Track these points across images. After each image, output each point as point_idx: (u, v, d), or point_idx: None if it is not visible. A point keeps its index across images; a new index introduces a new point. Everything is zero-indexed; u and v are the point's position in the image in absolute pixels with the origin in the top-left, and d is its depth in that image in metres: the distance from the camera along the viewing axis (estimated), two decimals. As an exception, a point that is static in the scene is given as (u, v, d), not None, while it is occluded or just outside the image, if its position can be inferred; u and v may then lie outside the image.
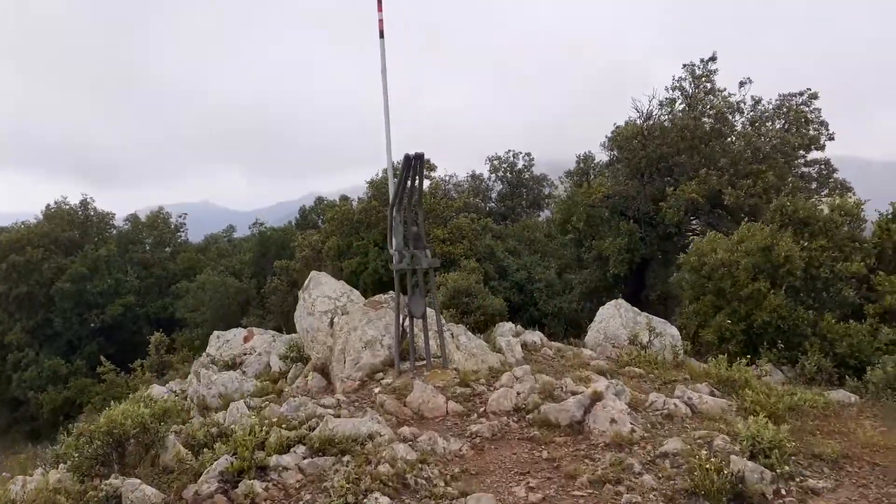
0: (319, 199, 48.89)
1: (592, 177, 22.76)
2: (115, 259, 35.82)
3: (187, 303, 33.54)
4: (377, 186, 29.55)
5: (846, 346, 11.36)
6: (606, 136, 23.47)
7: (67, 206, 36.59)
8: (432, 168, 29.67)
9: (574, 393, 7.81)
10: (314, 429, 6.93)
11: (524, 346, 10.34)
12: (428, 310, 9.11)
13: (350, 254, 29.27)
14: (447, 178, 36.04)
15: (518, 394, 7.87)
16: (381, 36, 10.16)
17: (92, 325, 35.49)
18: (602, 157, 25.87)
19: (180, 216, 42.68)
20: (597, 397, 7.44)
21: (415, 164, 8.53)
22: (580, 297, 23.11)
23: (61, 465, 7.78)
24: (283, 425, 6.99)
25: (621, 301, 11.42)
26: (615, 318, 10.94)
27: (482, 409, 7.71)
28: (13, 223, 37.74)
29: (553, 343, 11.00)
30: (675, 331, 11.07)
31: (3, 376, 33.50)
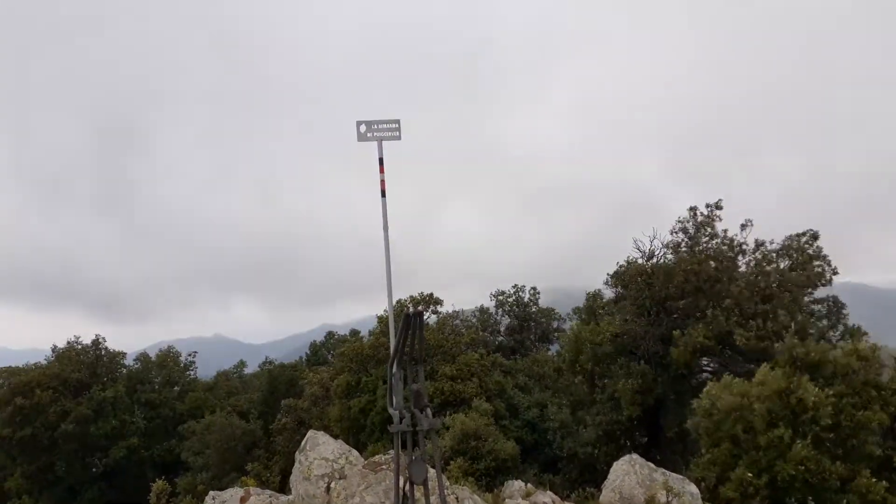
0: (330, 334, 48.89)
1: (600, 315, 22.64)
2: (122, 400, 35.41)
3: (192, 445, 32.68)
4: (386, 322, 29.53)
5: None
6: (608, 274, 23.61)
7: (79, 346, 36.71)
8: (438, 302, 29.78)
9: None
10: None
11: (534, 508, 9.79)
12: (431, 471, 8.70)
13: (359, 391, 28.79)
14: (454, 314, 36.06)
15: (525, 572, 7.33)
16: (383, 195, 10.47)
17: (94, 469, 34.49)
18: (608, 292, 25.94)
19: (190, 354, 42.61)
20: (610, 578, 6.89)
21: (414, 321, 8.46)
22: (596, 439, 22.25)
23: None
24: None
25: (636, 456, 10.91)
26: (630, 476, 10.41)
27: (487, 592, 7.14)
28: (25, 363, 37.74)
29: (565, 503, 10.42)
30: (694, 489, 10.48)
31: (-2, 527, 32.16)
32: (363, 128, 10.51)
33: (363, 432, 26.52)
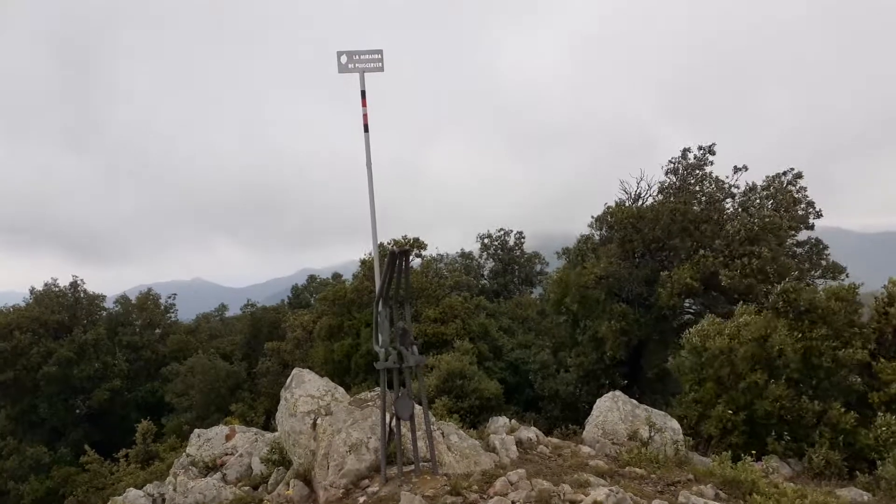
0: (312, 278, 48.77)
1: (588, 257, 22.72)
2: (103, 342, 35.25)
3: (176, 387, 32.81)
4: (370, 266, 29.45)
5: (871, 438, 10.91)
6: (593, 217, 23.54)
7: (57, 289, 36.27)
8: (422, 246, 29.67)
9: (573, 502, 7.34)
10: (292, 550, 6.43)
11: (519, 443, 9.87)
12: (417, 408, 8.70)
13: (342, 334, 28.88)
14: (438, 258, 36.01)
15: (513, 503, 7.39)
16: (366, 130, 10.16)
17: (77, 410, 34.59)
18: (593, 235, 25.94)
19: (170, 296, 42.35)
20: (596, 508, 6.97)
21: (400, 260, 8.33)
22: (577, 379, 22.60)
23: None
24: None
25: (619, 393, 11.01)
26: (613, 412, 10.52)
27: (474, 523, 7.21)
28: (3, 305, 37.31)
29: (550, 440, 10.51)
30: (675, 424, 10.63)
31: (-16, 466, 32.32)
32: (344, 58, 10.10)
33: (348, 374, 26.72)
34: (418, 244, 29.12)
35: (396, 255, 8.24)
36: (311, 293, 46.87)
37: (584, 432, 10.86)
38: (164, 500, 10.20)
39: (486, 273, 38.03)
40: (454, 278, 31.26)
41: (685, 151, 22.08)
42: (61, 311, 35.34)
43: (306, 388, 9.48)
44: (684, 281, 18.69)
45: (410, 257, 8.40)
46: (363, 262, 29.91)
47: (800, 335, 12.13)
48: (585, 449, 10.10)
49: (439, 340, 25.63)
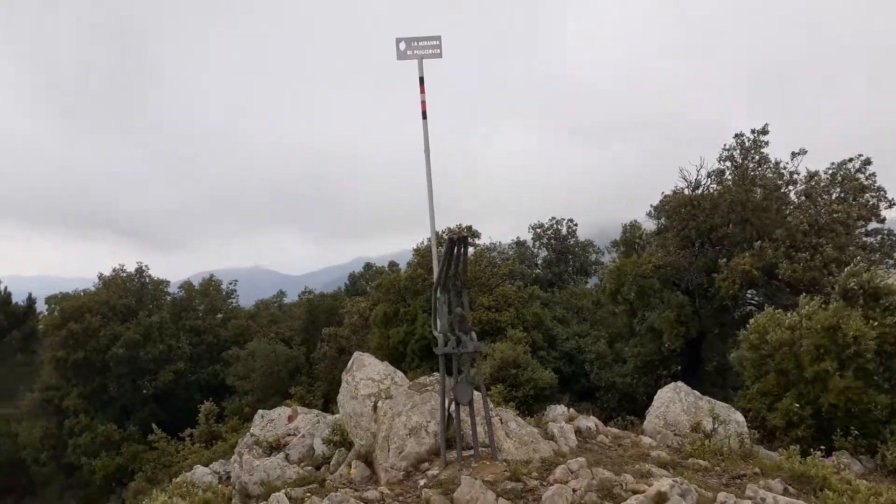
0: (368, 266, 49.41)
1: (639, 246, 22.28)
2: (167, 326, 36.56)
3: (237, 370, 33.78)
4: (423, 254, 29.63)
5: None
6: (652, 206, 23.08)
7: (124, 274, 37.74)
8: (476, 235, 29.65)
9: (635, 492, 7.25)
10: (355, 529, 6.56)
11: (578, 432, 9.80)
12: (476, 393, 8.74)
13: (397, 321, 29.19)
14: (491, 247, 35.91)
15: (574, 491, 7.35)
16: (424, 117, 10.20)
17: (144, 391, 36.02)
18: (649, 225, 25.45)
19: (231, 283, 43.61)
20: (661, 498, 6.87)
21: (458, 247, 8.36)
22: (634, 370, 22.26)
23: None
24: (324, 525, 6.65)
25: (681, 384, 10.80)
26: (675, 403, 10.33)
27: (534, 509, 7.21)
28: (74, 290, 39.06)
29: (609, 429, 10.41)
30: (740, 417, 10.37)
31: (60, 441, 33.99)
32: (403, 45, 10.15)
33: (403, 360, 27.01)
34: (472, 233, 29.14)
35: (454, 242, 8.28)
36: (366, 281, 47.50)
37: (645, 423, 10.70)
38: (229, 477, 10.55)
39: (539, 262, 37.76)
40: (507, 267, 31.14)
41: (739, 136, 21.38)
42: (128, 295, 36.81)
43: (367, 371, 9.63)
44: (742, 269, 18.13)
45: (468, 245, 8.42)
46: (417, 251, 30.12)
47: (875, 322, 11.63)
48: (646, 440, 9.96)
49: (493, 328, 25.63)
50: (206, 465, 11.66)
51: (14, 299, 37.20)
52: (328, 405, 24.80)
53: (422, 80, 9.96)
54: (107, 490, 30.73)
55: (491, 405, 9.03)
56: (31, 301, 34.63)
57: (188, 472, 10.71)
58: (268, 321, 42.89)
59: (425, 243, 30.05)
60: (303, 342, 37.08)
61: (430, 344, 27.48)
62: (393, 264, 43.58)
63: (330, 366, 32.35)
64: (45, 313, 36.82)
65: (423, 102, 9.98)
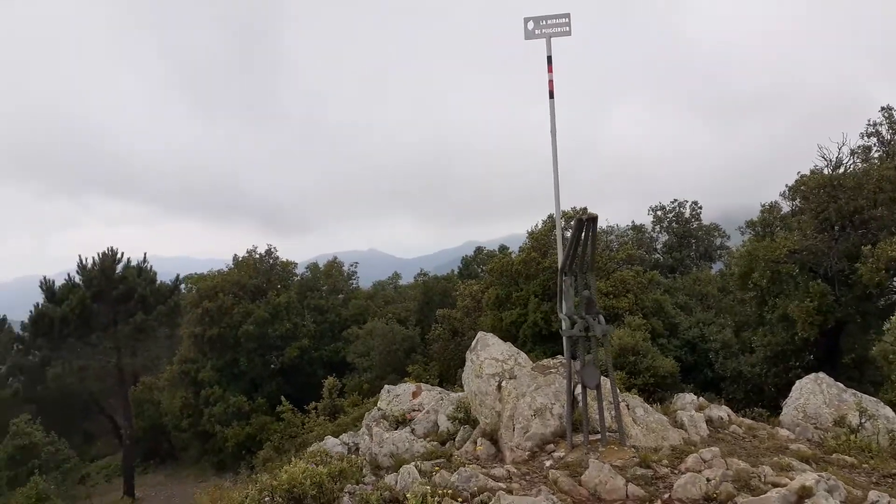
0: (479, 249, 49.73)
1: (777, 229, 20.97)
2: (294, 305, 38.56)
3: (357, 348, 35.14)
4: (537, 238, 29.42)
5: None
6: (787, 186, 21.66)
7: (256, 256, 40.11)
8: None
9: (775, 485, 6.90)
10: (485, 504, 6.68)
11: (709, 421, 9.45)
12: (602, 378, 8.62)
13: (509, 304, 29.23)
14: (608, 230, 35.08)
15: (708, 480, 7.10)
16: (551, 96, 10.07)
17: (272, 365, 38.25)
18: (785, 206, 23.91)
19: (352, 265, 45.32)
20: (805, 493, 6.50)
21: (587, 227, 8.22)
22: (763, 360, 21.10)
23: (246, 516, 8.15)
24: (456, 497, 6.81)
25: (822, 375, 10.13)
26: (816, 395, 9.71)
27: (667, 496, 7.03)
28: (208, 270, 41.98)
29: (743, 420, 9.95)
30: (889, 412, 9.60)
31: (197, 410, 36.83)
32: (531, 25, 10.05)
33: (515, 344, 27.05)
34: (590, 216, 28.61)
35: (583, 222, 8.15)
36: (478, 264, 47.90)
37: (782, 415, 10.14)
38: (357, 448, 11.03)
39: (659, 247, 36.48)
40: (625, 251, 30.33)
41: (886, 110, 19.55)
42: (258, 276, 39.15)
43: (490, 351, 9.73)
44: (890, 255, 16.65)
45: (597, 225, 8.25)
46: (531, 234, 29.95)
47: None
48: (783, 432, 9.44)
49: (610, 314, 25.11)
50: (335, 437, 12.24)
51: (158, 278, 40.45)
52: (443, 384, 25.31)
53: (550, 59, 9.84)
54: (237, 457, 32.95)
55: (618, 390, 8.87)
56: (176, 280, 37.60)
57: (320, 442, 11.30)
58: (384, 302, 44.27)
59: (539, 226, 29.82)
60: (417, 322, 37.98)
61: (542, 329, 27.33)
62: (504, 248, 43.65)
63: (443, 346, 32.97)
64: (184, 291, 39.88)
65: (551, 82, 9.86)
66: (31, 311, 34.55)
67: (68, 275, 34.75)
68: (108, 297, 33.37)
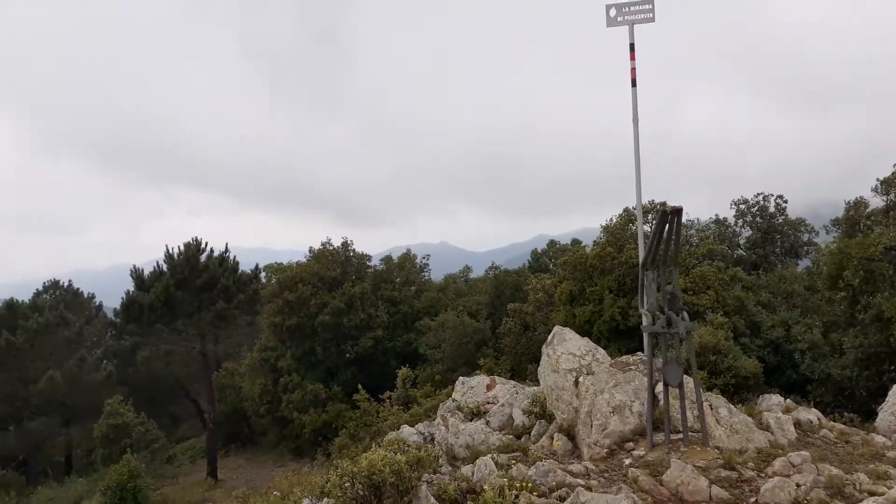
0: (552, 243, 49.24)
1: (866, 226, 19.84)
2: (368, 296, 39.29)
3: (429, 340, 35.49)
4: (612, 232, 28.86)
5: None
6: (878, 180, 20.40)
7: (332, 248, 41.08)
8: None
9: (872, 493, 6.57)
10: (564, 500, 6.65)
11: (797, 424, 9.07)
12: (685, 376, 8.40)
13: (583, 300, 28.82)
14: (687, 224, 34.03)
15: (798, 486, 6.83)
16: (634, 85, 9.85)
17: (347, 355, 39.12)
18: (876, 202, 22.57)
19: (424, 257, 45.73)
20: (905, 504, 6.16)
21: (671, 220, 8.01)
22: (854, 362, 20.03)
23: (326, 500, 8.39)
24: (533, 491, 6.81)
25: (924, 380, 9.53)
26: (916, 401, 9.15)
27: (753, 500, 6.80)
28: (287, 261, 43.29)
29: (834, 424, 9.50)
30: None
31: (276, 397, 38.10)
32: (613, 12, 9.85)
33: (590, 339, 26.67)
34: (673, 209, 27.81)
35: (668, 215, 7.95)
36: (549, 258, 47.42)
37: (878, 420, 9.62)
38: (433, 438, 11.16)
39: (741, 242, 35.09)
40: (706, 246, 29.35)
41: None
42: (335, 267, 40.07)
43: (567, 346, 9.64)
44: None
45: (682, 217, 8.02)
46: (605, 228, 29.39)
47: None
48: (879, 438, 8.96)
49: (690, 311, 24.36)
50: (410, 426, 12.43)
51: (239, 268, 42.02)
52: (514, 378, 25.25)
53: (632, 46, 9.62)
54: (314, 443, 33.89)
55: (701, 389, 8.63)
56: (255, 270, 38.98)
57: (397, 431, 11.50)
58: (455, 295, 44.48)
59: (614, 220, 29.24)
60: (488, 316, 37.97)
61: (618, 325, 26.81)
62: (576, 242, 43.05)
63: (514, 340, 32.82)
64: (264, 281, 41.26)
65: (633, 70, 9.64)
66: (122, 298, 36.56)
67: (157, 263, 36.55)
68: (191, 286, 34.90)
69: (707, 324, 21.92)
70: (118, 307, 41.94)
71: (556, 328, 10.17)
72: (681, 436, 8.09)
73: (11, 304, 42.15)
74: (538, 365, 10.32)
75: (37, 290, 51.99)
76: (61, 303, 47.71)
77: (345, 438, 26.23)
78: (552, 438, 8.87)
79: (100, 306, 54.83)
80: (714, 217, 35.72)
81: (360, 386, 27.88)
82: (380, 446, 9.23)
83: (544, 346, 9.98)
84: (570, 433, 8.89)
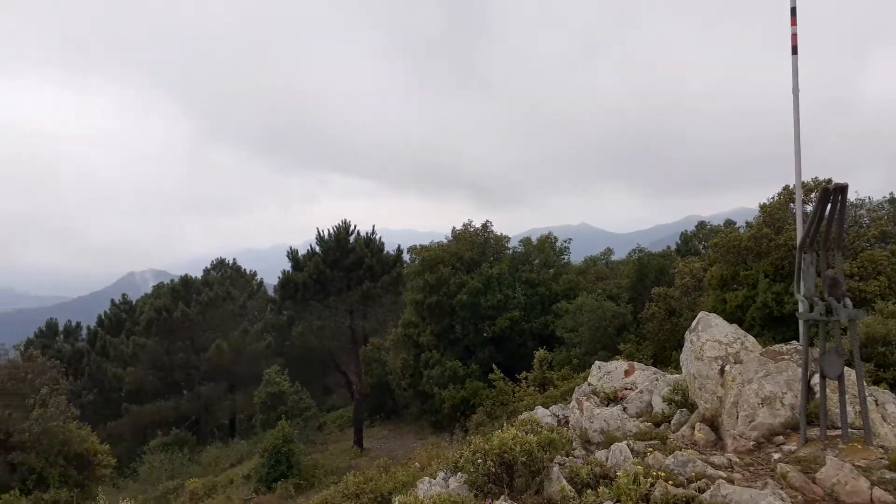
0: (701, 224, 46.76)
1: None
2: (506, 277, 39.54)
3: (566, 322, 35.08)
4: (770, 212, 26.88)
5: None
6: None
7: (472, 229, 41.69)
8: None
9: None
10: (703, 491, 6.34)
11: (985, 428, 8.00)
12: (846, 368, 7.68)
13: (735, 285, 27.17)
14: (858, 203, 30.83)
15: (983, 497, 6.04)
16: (794, 52, 9.03)
17: (484, 334, 39.68)
18: None
19: (565, 240, 45.16)
20: None
21: (835, 198, 7.31)
22: None
23: (459, 475, 8.60)
24: (670, 481, 6.56)
25: None
26: None
27: (924, 508, 6.11)
28: (429, 242, 44.49)
29: None
30: None
31: (416, 371, 39.52)
32: (771, -27, 9.07)
33: (741, 327, 25.13)
34: (839, 187, 25.41)
35: (829, 193, 7.26)
36: (699, 240, 45.05)
37: None
38: (567, 421, 11.07)
39: (923, 223, 31.23)
40: (878, 228, 26.51)
41: None
42: (474, 248, 40.70)
43: (713, 332, 9.13)
44: None
45: (846, 196, 7.28)
46: (763, 208, 27.41)
47: None
48: None
49: (857, 299, 22.24)
50: (544, 407, 12.39)
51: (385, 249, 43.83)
52: (656, 365, 24.37)
53: (793, 10, 8.81)
54: (452, 418, 34.79)
55: (865, 383, 7.85)
56: (399, 251, 40.43)
57: (531, 411, 11.52)
58: (596, 278, 43.56)
59: (775, 198, 27.20)
60: (630, 300, 36.84)
61: (772, 311, 24.98)
62: (729, 223, 40.52)
63: (658, 326, 31.64)
64: (408, 261, 42.73)
65: (794, 36, 8.83)
66: (279, 277, 39.39)
67: (310, 245, 38.97)
68: (341, 266, 36.85)
69: (876, 312, 19.84)
70: (276, 285, 45.40)
71: (701, 314, 9.66)
72: (838, 432, 7.42)
73: (186, 280, 47.02)
74: (682, 352, 9.88)
75: (206, 267, 57.52)
76: (227, 279, 52.50)
77: (481, 416, 26.68)
78: (693, 428, 8.48)
79: (261, 283, 59.62)
80: (889, 196, 32.08)
81: (494, 366, 28.18)
82: (513, 426, 9.30)
83: (688, 332, 9.53)
84: (713, 424, 8.45)
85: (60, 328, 53.05)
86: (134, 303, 54.04)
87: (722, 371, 8.62)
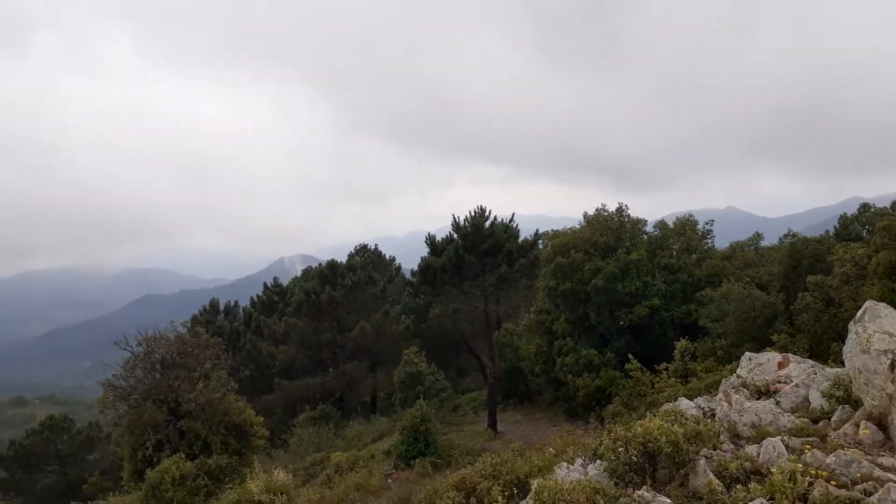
0: (865, 207, 42.65)
1: None
2: (644, 263, 38.19)
3: (710, 311, 33.36)
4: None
5: None
6: None
7: (606, 213, 40.62)
8: None
9: None
10: (870, 494, 5.89)
11: None
12: None
13: (908, 273, 24.57)
14: None
15: None
16: None
17: (621, 322, 38.62)
18: None
19: (707, 223, 42.86)
20: None
21: None
22: None
23: (598, 462, 8.53)
24: (831, 481, 6.14)
25: None
26: None
27: None
28: (562, 227, 43.95)
29: None
30: None
31: (549, 358, 39.27)
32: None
33: (914, 319, 22.68)
34: None
35: None
36: (862, 224, 41.08)
37: None
38: (713, 413, 10.60)
39: None
40: None
41: None
42: (608, 233, 39.58)
43: (882, 323, 8.37)
44: None
45: None
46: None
47: None
48: None
49: None
50: (689, 399, 11.94)
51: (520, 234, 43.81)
52: (812, 359, 22.60)
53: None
54: (587, 407, 34.26)
55: None
56: (535, 236, 40.24)
57: (674, 403, 11.15)
58: (743, 264, 40.96)
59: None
60: (781, 289, 34.30)
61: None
62: (900, 205, 36.64)
63: (814, 317, 29.27)
64: (541, 247, 42.43)
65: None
66: (419, 262, 40.55)
67: (449, 232, 39.82)
68: (477, 251, 37.27)
69: None
70: (413, 269, 46.86)
71: (869, 303, 8.88)
72: None
73: (332, 264, 49.83)
74: (843, 345, 9.14)
75: (350, 252, 60.56)
76: (369, 264, 55.09)
77: (618, 406, 26.13)
78: (857, 426, 7.85)
79: (399, 268, 61.95)
80: None
81: (630, 355, 27.45)
82: (655, 416, 9.08)
83: (852, 323, 8.80)
84: (880, 422, 7.77)
85: (221, 308, 58.12)
86: (284, 286, 58.00)
87: (892, 366, 7.89)
